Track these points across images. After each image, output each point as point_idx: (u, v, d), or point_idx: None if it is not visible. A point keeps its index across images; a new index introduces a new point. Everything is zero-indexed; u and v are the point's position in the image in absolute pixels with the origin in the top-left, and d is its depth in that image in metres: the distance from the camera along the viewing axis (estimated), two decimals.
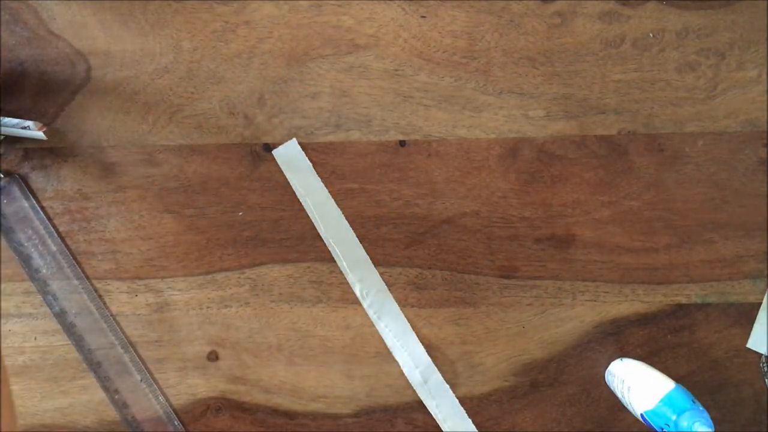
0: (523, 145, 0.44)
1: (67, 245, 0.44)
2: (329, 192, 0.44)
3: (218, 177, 0.44)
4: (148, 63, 0.44)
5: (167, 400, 0.43)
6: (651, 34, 0.44)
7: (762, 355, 0.42)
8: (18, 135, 0.43)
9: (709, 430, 0.34)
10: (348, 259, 0.43)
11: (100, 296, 0.43)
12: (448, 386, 0.43)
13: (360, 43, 0.44)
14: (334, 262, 0.43)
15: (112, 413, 0.43)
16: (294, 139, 0.44)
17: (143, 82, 0.44)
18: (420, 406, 0.43)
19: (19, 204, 0.44)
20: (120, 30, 0.44)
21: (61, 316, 0.43)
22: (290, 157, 0.44)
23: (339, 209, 0.43)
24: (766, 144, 0.44)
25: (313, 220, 0.43)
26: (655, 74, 0.44)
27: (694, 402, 0.36)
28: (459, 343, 0.43)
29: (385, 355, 0.43)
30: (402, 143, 0.44)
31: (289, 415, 0.43)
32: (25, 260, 0.43)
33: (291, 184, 0.43)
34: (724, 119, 0.44)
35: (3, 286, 0.43)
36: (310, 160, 0.44)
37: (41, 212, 0.44)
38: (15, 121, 0.43)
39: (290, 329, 0.44)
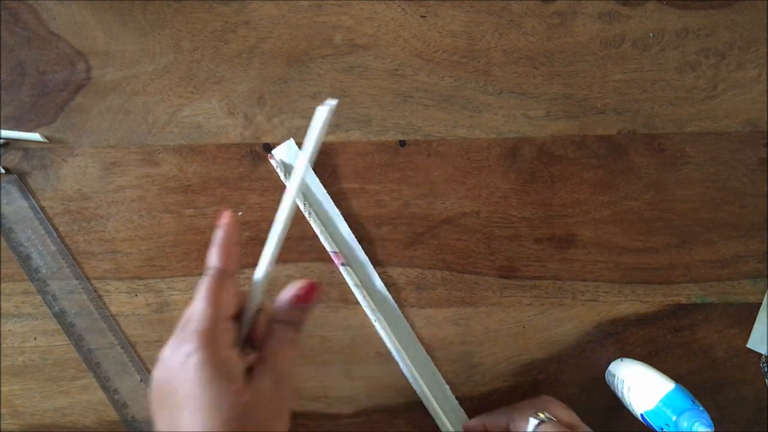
0: (523, 145, 0.44)
1: (66, 245, 0.44)
2: (329, 192, 0.44)
3: (218, 177, 0.44)
4: (148, 63, 0.44)
5: None
6: (651, 34, 0.44)
7: (762, 355, 0.42)
8: (17, 138, 0.44)
9: (709, 430, 0.34)
10: (347, 258, 0.43)
11: (99, 296, 0.43)
12: (448, 386, 0.43)
13: (360, 43, 0.44)
14: (334, 262, 0.43)
15: (111, 413, 0.43)
16: (291, 139, 0.44)
17: (143, 82, 0.44)
18: (420, 406, 0.43)
19: (18, 204, 0.44)
20: (120, 30, 0.44)
21: (60, 316, 0.43)
22: (289, 156, 0.44)
23: (338, 209, 0.43)
24: (766, 144, 0.44)
25: (311, 222, 0.43)
26: (655, 74, 0.44)
27: (693, 402, 0.36)
28: (459, 343, 0.43)
29: (385, 355, 0.43)
30: (402, 143, 0.44)
31: None
32: (25, 260, 0.43)
33: (286, 184, 0.43)
34: (724, 119, 0.44)
35: (3, 286, 0.43)
36: None
37: (41, 212, 0.44)
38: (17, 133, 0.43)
39: None
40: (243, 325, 0.32)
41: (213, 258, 0.33)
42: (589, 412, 0.43)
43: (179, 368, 0.30)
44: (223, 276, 0.32)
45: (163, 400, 0.30)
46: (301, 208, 0.43)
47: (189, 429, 0.28)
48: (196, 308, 0.31)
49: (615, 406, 0.43)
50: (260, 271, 0.32)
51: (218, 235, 0.33)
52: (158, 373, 0.31)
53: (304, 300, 0.34)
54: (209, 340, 0.30)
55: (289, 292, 0.33)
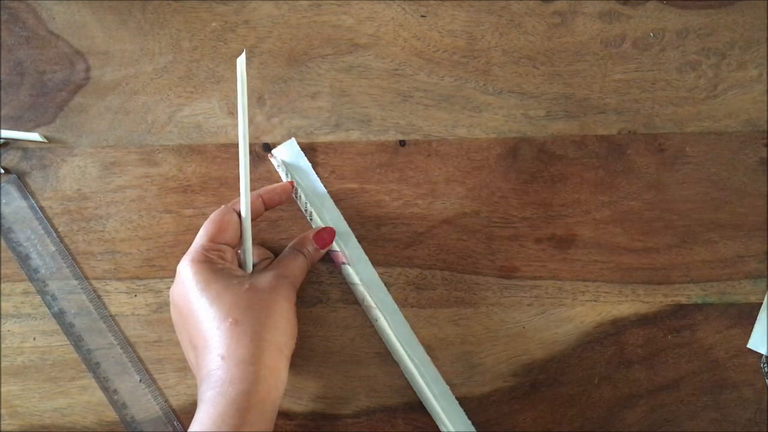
0: (524, 144, 0.44)
1: (66, 245, 0.44)
2: (329, 192, 0.44)
3: (218, 177, 0.44)
4: (147, 62, 0.44)
5: (166, 400, 0.43)
6: (651, 34, 0.44)
7: (762, 355, 0.42)
8: (16, 138, 0.43)
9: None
10: (347, 258, 0.43)
11: (99, 296, 0.43)
12: (447, 386, 0.43)
13: (360, 42, 0.44)
14: (334, 261, 0.43)
15: (111, 414, 0.43)
16: (293, 139, 0.44)
17: (142, 82, 0.44)
18: (420, 406, 0.43)
19: (18, 204, 0.44)
20: (119, 29, 0.44)
21: (60, 316, 0.43)
22: (289, 156, 0.44)
23: (338, 209, 0.43)
24: (766, 144, 0.44)
25: (311, 222, 0.43)
26: (655, 74, 0.44)
27: None
28: (459, 343, 0.43)
29: (385, 355, 0.43)
30: (402, 143, 0.44)
31: (289, 415, 0.43)
32: (24, 260, 0.43)
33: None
34: (724, 119, 0.44)
35: (2, 286, 0.43)
36: (310, 160, 0.44)
37: (40, 212, 0.44)
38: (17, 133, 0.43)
39: None
40: (243, 250, 0.39)
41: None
42: (589, 412, 0.43)
43: (184, 281, 0.36)
44: (224, 212, 0.38)
45: (181, 312, 0.36)
46: (302, 208, 0.43)
47: (204, 321, 0.34)
48: (197, 234, 0.38)
49: (615, 406, 0.43)
50: (243, 208, 0.38)
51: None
52: (173, 291, 0.37)
53: (321, 238, 0.41)
54: (199, 254, 0.36)
55: (312, 231, 0.41)
